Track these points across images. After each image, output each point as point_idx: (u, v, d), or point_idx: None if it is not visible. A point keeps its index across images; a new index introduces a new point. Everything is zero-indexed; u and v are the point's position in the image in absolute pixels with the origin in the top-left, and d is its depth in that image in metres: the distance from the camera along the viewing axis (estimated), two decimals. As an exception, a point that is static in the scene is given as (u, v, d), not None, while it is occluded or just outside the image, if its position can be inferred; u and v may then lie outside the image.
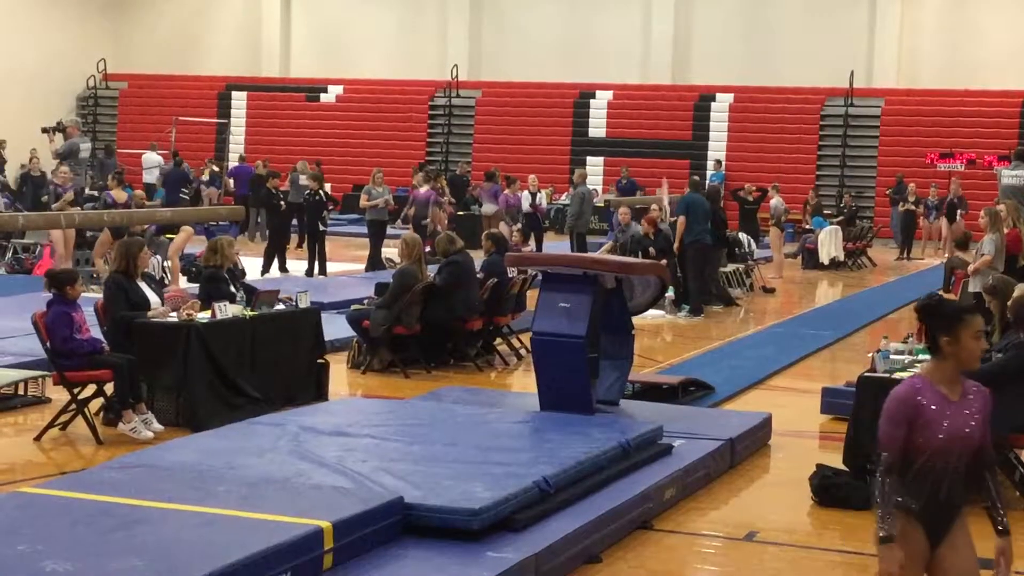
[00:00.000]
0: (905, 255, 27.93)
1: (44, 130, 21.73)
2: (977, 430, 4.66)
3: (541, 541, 6.43)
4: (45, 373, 10.00)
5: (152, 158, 27.96)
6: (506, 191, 24.31)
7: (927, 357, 8.78)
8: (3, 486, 7.68)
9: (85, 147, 19.83)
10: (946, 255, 22.95)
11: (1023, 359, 8.04)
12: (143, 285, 9.97)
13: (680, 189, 22.82)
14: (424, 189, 22.82)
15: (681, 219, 17.09)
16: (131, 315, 9.61)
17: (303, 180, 22.80)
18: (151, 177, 26.84)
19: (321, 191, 20.39)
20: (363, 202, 21.19)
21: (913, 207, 28.33)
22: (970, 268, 13.09)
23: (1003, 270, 12.38)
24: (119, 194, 18.79)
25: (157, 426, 9.24)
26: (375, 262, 20.22)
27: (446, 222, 23.47)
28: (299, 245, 22.63)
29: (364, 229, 21.64)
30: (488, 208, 24.55)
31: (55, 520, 5.87)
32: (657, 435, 8.60)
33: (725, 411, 10.58)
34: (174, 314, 9.80)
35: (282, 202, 21.18)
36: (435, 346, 12.59)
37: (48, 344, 9.15)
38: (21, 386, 10.27)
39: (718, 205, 18.86)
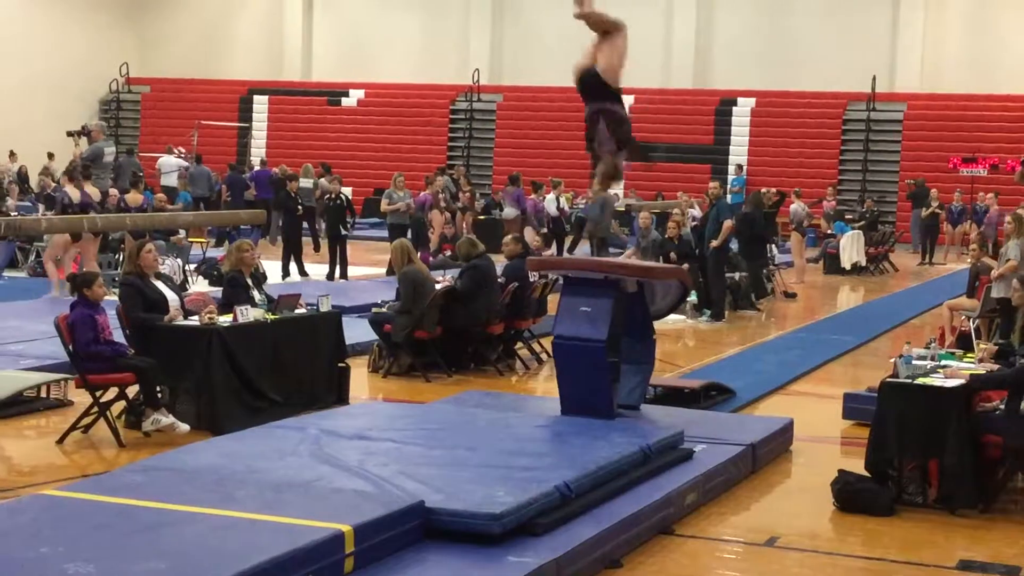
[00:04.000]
0: (927, 260, 27.82)
1: (69, 134, 21.83)
2: None
3: (562, 546, 6.42)
4: (67, 376, 10.03)
5: (170, 161, 28.11)
6: (532, 196, 24.32)
7: (950, 362, 8.81)
8: (26, 488, 7.71)
9: (109, 151, 19.88)
10: None
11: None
12: (159, 284, 10.01)
13: (700, 194, 22.81)
14: (423, 193, 22.91)
15: (728, 222, 17.03)
16: (146, 317, 9.63)
17: (303, 183, 22.88)
18: (170, 180, 27.04)
19: (342, 195, 20.43)
20: (384, 206, 21.22)
21: (938, 210, 28.24)
22: (994, 273, 13.02)
23: (1027, 276, 12.30)
24: (134, 197, 18.81)
25: (184, 427, 9.26)
26: (397, 266, 20.23)
27: (443, 226, 23.33)
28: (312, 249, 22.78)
29: (385, 233, 21.67)
30: (509, 212, 24.55)
31: (77, 523, 5.88)
32: (678, 440, 8.59)
33: (746, 416, 10.56)
34: (195, 317, 9.83)
35: (299, 206, 21.23)
36: (456, 350, 12.60)
37: (71, 347, 9.19)
38: (43, 389, 10.31)
39: (760, 212, 18.95)
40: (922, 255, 28.27)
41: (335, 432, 8.07)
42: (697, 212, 19.72)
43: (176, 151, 28.92)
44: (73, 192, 16.66)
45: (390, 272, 20.05)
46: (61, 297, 15.73)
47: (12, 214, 20.63)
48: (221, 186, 27.04)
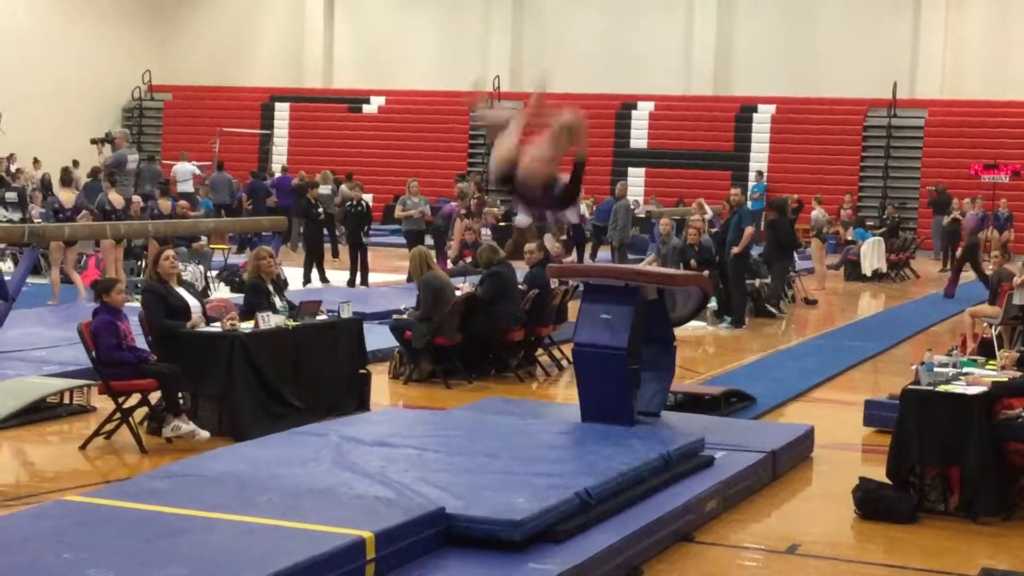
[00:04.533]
0: (949, 267, 27.69)
1: (93, 141, 21.95)
2: None
3: (582, 552, 6.42)
4: (90, 382, 10.08)
5: (184, 168, 28.21)
6: None
7: (972, 369, 8.78)
8: (49, 494, 7.76)
9: (133, 158, 20.00)
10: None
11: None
12: (182, 291, 10.06)
13: (719, 201, 22.78)
14: (451, 204, 22.94)
15: (750, 229, 17.02)
16: (168, 324, 9.68)
17: (322, 189, 22.96)
18: (186, 187, 27.16)
19: (363, 202, 20.49)
20: (398, 212, 21.32)
21: (959, 217, 28.14)
22: (1016, 281, 12.99)
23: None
24: (165, 203, 18.97)
25: (204, 434, 9.29)
26: (416, 272, 20.26)
27: (463, 232, 23.34)
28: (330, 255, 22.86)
29: (405, 240, 21.76)
30: (521, 219, 24.47)
31: (99, 528, 5.91)
32: (698, 447, 8.58)
33: (767, 423, 10.54)
34: (217, 324, 9.87)
35: (320, 212, 21.30)
36: (476, 357, 12.61)
37: (94, 353, 9.23)
38: (66, 395, 10.37)
39: (786, 218, 18.95)
40: (943, 262, 28.16)
41: (356, 438, 8.08)
42: (709, 213, 19.77)
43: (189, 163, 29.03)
44: (66, 197, 16.76)
45: (410, 279, 20.10)
46: (57, 304, 15.85)
47: (36, 221, 20.74)
48: (242, 193, 27.14)
